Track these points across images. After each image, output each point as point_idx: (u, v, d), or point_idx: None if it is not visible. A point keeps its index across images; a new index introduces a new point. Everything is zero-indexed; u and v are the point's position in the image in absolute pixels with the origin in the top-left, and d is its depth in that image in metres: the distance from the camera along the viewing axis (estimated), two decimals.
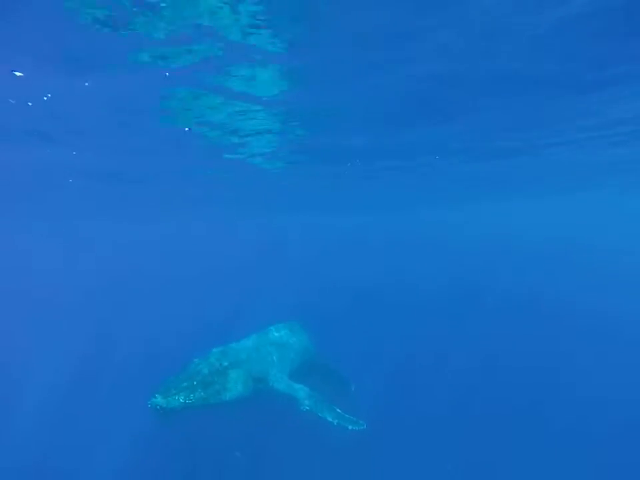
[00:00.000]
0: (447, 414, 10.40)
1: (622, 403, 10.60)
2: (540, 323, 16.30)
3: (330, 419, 7.19)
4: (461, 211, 39.50)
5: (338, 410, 7.37)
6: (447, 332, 14.84)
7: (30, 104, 7.85)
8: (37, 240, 36.09)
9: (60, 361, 12.27)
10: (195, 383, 6.91)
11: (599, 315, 17.14)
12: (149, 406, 6.42)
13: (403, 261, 33.48)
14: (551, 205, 38.94)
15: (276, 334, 9.28)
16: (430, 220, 45.86)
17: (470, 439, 9.43)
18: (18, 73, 6.41)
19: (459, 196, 28.76)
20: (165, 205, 23.47)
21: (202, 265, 28.00)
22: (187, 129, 9.91)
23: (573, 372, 12.35)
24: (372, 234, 52.34)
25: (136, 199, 20.89)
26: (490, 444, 9.13)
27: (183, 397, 6.65)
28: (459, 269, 26.08)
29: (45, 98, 7.57)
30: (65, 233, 32.69)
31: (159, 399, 6.47)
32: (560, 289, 21.72)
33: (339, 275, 23.86)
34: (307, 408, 7.44)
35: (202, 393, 6.83)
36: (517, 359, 13.20)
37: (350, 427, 7.12)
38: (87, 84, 7.04)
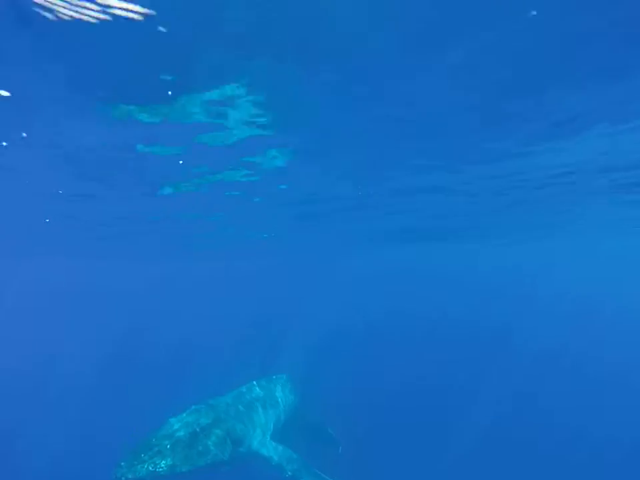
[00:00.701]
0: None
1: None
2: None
3: None
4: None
5: (319, 473, 6.80)
6: (436, 384, 14.37)
7: None
8: None
9: None
10: (168, 446, 6.28)
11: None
12: (113, 478, 5.79)
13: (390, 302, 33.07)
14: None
15: (259, 389, 8.70)
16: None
17: None
18: None
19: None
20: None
21: (182, 309, 27.23)
22: None
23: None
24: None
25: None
26: None
27: (152, 465, 6.00)
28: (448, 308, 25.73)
29: None
30: None
31: (124, 469, 5.83)
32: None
33: (327, 322, 23.35)
34: (290, 474, 6.85)
35: (175, 459, 6.18)
36: (508, 406, 12.80)
37: None
38: None
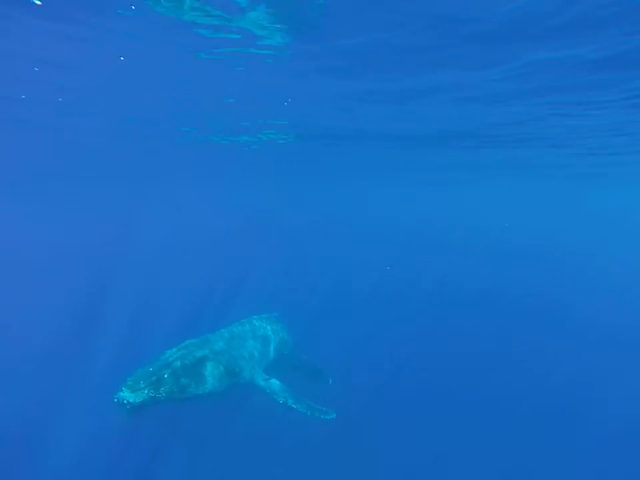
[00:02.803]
0: (425, 407, 10.39)
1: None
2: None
3: (303, 411, 7.08)
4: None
5: (310, 402, 7.28)
6: (429, 325, 14.85)
7: None
8: None
9: None
10: (165, 375, 6.61)
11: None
12: (115, 401, 6.15)
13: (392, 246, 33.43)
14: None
15: (252, 325, 9.07)
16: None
17: (447, 432, 9.44)
18: None
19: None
20: None
21: (176, 244, 27.28)
22: None
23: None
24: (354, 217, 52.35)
25: None
26: (471, 440, 9.15)
27: (152, 391, 6.36)
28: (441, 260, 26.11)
29: None
30: None
31: (125, 393, 6.18)
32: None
33: (322, 262, 23.67)
34: (282, 401, 7.30)
35: (173, 387, 6.53)
36: (498, 350, 13.36)
37: (322, 417, 7.05)
38: None
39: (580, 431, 9.62)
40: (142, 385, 6.34)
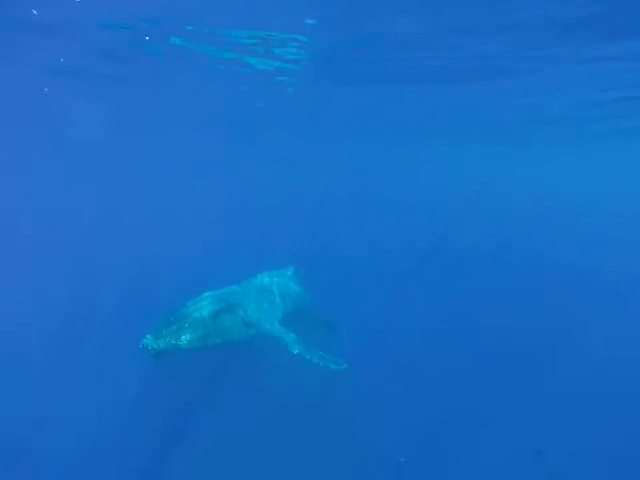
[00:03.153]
0: (436, 362, 10.69)
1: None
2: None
3: (315, 361, 7.42)
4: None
5: (322, 354, 7.60)
6: (441, 287, 14.95)
7: None
8: None
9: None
10: (186, 325, 7.00)
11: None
12: (140, 346, 6.59)
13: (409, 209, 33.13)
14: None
15: (269, 280, 9.36)
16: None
17: (456, 387, 9.73)
18: None
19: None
20: None
21: (193, 202, 27.73)
22: None
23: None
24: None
25: None
26: (477, 396, 9.37)
27: (173, 339, 6.77)
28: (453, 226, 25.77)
29: None
30: None
31: (149, 340, 6.61)
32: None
33: (341, 219, 23.76)
34: (296, 352, 7.64)
35: (193, 336, 6.92)
36: (505, 310, 13.35)
37: (333, 367, 7.37)
38: None
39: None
40: (164, 333, 6.76)
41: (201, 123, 28.12)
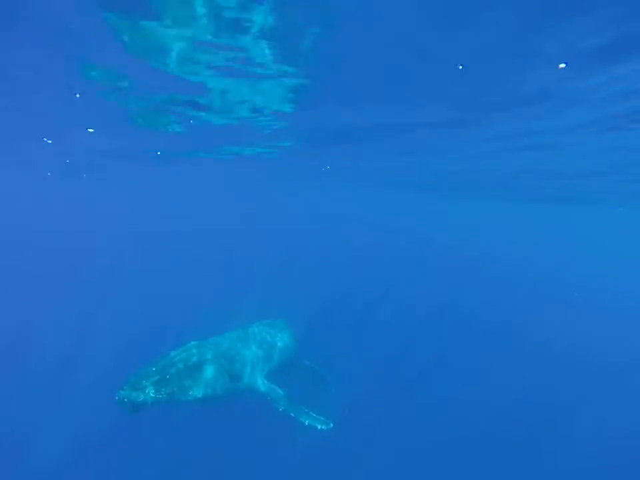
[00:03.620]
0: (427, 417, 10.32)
1: None
2: None
3: (302, 420, 7.08)
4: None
5: (309, 411, 7.28)
6: (435, 338, 14.80)
7: None
8: None
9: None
10: (167, 376, 6.67)
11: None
12: (116, 398, 6.24)
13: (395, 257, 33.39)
14: None
15: (256, 330, 9.12)
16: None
17: (450, 447, 9.34)
18: None
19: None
20: None
21: (178, 251, 27.67)
22: None
23: None
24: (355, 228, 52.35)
25: None
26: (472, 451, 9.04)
27: (153, 391, 6.42)
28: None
29: None
30: None
31: (127, 391, 6.27)
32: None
33: (327, 272, 23.75)
34: (282, 409, 7.31)
35: (174, 388, 6.60)
36: (504, 365, 13.19)
37: (319, 427, 7.03)
38: None
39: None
40: (144, 384, 6.42)
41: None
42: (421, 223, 57.56)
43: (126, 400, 6.19)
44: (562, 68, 6.54)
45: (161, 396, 6.44)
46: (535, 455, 9.74)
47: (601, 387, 12.95)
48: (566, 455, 9.52)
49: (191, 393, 6.77)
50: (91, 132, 7.83)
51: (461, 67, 6.78)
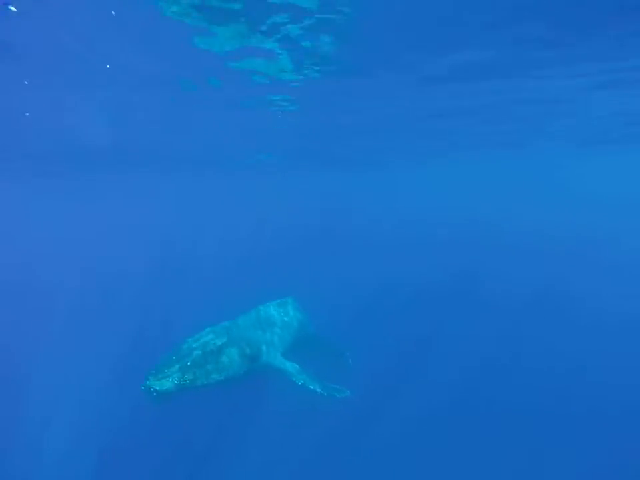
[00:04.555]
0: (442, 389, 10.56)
1: None
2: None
3: (320, 391, 7.38)
4: None
5: (325, 383, 7.57)
6: (449, 311, 14.85)
7: None
8: None
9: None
10: (188, 363, 6.99)
11: None
12: (142, 389, 6.56)
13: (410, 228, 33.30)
14: None
15: (270, 311, 9.38)
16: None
17: (463, 410, 9.59)
18: None
19: None
20: None
21: (188, 238, 27.95)
22: None
23: None
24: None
25: None
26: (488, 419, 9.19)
27: (176, 379, 6.75)
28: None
29: None
30: None
31: (151, 382, 6.59)
32: None
33: (339, 246, 23.89)
34: (301, 382, 7.60)
35: (195, 374, 6.91)
36: (515, 341, 13.19)
37: (337, 396, 7.34)
38: None
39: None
40: (167, 373, 6.74)
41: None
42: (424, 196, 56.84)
43: (151, 389, 6.52)
44: None
45: (184, 382, 6.77)
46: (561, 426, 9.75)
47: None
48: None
49: (212, 376, 7.09)
50: None
51: None
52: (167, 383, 6.64)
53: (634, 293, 15.97)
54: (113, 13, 6.21)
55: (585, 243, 25.37)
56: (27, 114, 11.92)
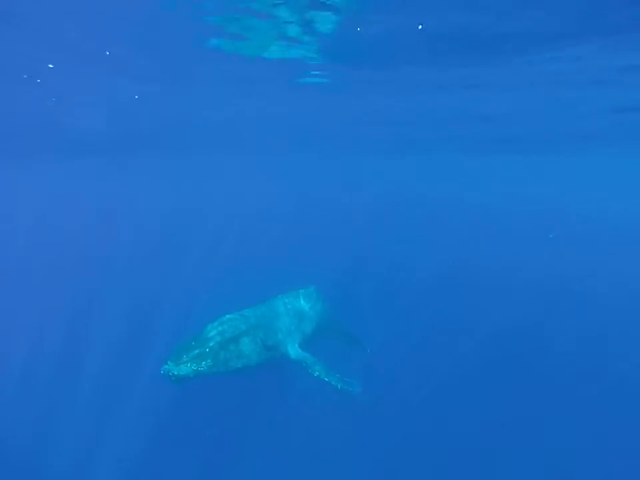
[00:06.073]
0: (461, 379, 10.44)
1: None
2: None
3: (334, 383, 7.41)
4: None
5: (342, 376, 7.57)
6: (466, 301, 14.62)
7: None
8: None
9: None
10: (207, 350, 7.09)
11: None
12: (161, 373, 6.72)
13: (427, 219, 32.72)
14: None
15: (290, 300, 9.39)
16: None
17: (480, 402, 9.47)
18: None
19: None
20: None
21: (211, 223, 28.24)
22: None
23: None
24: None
25: None
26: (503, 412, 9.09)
27: (195, 364, 6.87)
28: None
29: None
30: None
31: (170, 366, 6.73)
32: None
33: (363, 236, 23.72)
34: (316, 374, 7.64)
35: (214, 361, 7.00)
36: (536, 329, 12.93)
37: (351, 390, 7.34)
38: None
39: None
40: (185, 359, 6.88)
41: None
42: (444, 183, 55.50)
43: (170, 373, 6.68)
44: None
45: (201, 368, 6.89)
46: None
47: None
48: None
49: (230, 364, 7.18)
50: None
51: None
52: (185, 368, 6.76)
53: None
54: None
55: None
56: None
